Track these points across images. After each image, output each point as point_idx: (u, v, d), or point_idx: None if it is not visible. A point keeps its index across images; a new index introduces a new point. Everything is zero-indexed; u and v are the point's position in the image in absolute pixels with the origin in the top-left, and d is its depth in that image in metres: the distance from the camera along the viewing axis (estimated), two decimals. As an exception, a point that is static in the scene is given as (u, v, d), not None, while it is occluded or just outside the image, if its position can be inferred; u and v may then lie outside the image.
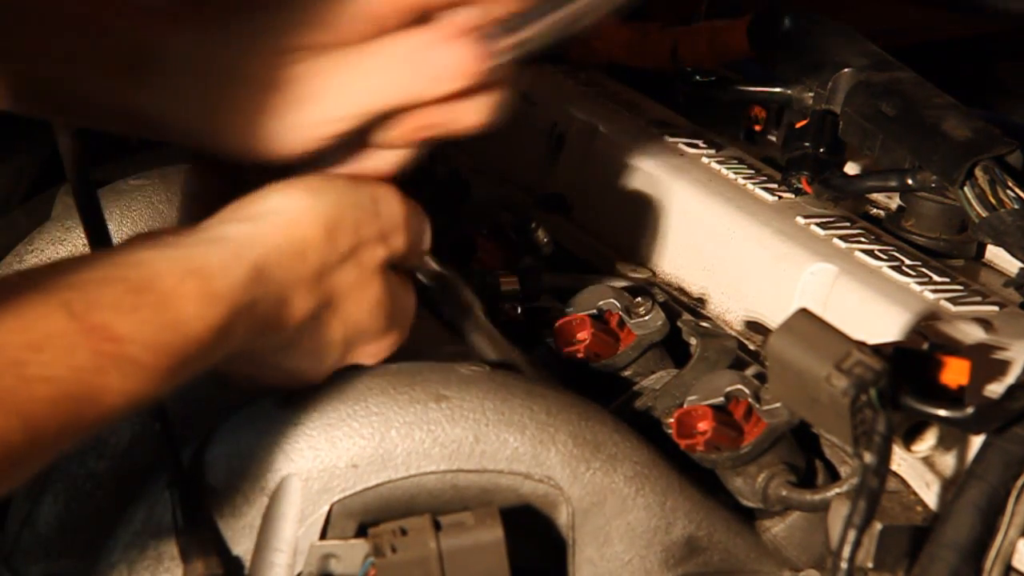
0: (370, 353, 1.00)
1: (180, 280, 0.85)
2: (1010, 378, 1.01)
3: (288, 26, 0.96)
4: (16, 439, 0.75)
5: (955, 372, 0.97)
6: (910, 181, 1.23)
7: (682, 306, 1.26)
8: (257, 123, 0.96)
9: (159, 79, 0.97)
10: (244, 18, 0.97)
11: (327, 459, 0.98)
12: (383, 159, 1.01)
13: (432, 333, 1.11)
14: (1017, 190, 1.15)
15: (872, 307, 1.13)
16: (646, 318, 1.20)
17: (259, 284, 0.88)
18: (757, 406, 1.08)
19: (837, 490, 1.05)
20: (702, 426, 1.07)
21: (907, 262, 1.18)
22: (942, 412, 0.95)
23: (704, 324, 1.20)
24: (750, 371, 1.15)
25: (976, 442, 1.00)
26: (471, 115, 0.97)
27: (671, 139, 1.39)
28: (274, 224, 0.91)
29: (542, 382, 1.09)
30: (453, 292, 1.08)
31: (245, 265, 0.88)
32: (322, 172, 0.98)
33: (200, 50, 0.97)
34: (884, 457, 0.91)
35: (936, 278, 1.16)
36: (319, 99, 0.95)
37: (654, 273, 1.31)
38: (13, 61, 0.99)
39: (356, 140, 0.99)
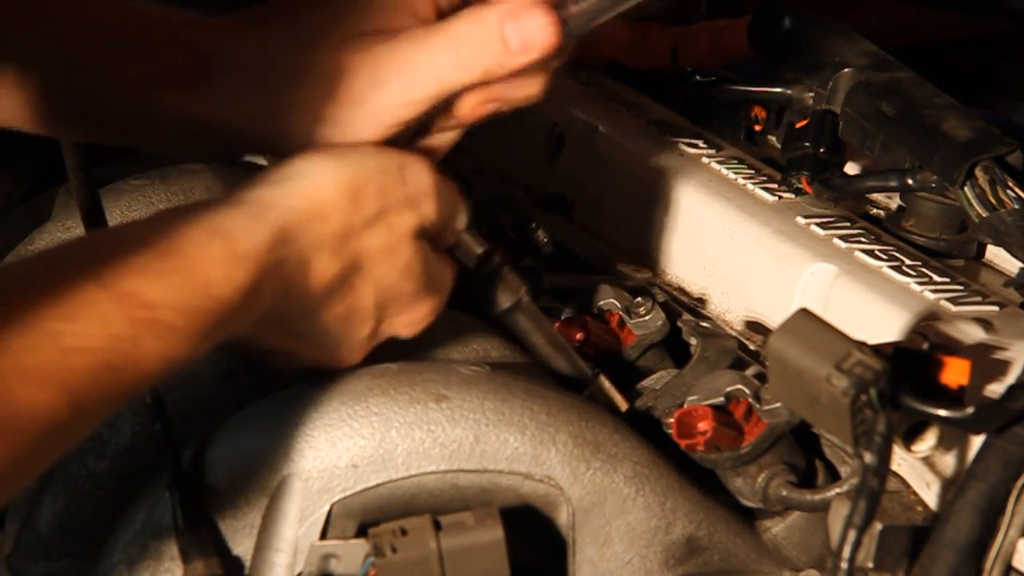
0: (404, 323, 0.99)
1: (206, 243, 0.85)
2: (1010, 378, 1.01)
3: (354, 13, 0.97)
4: (62, 412, 0.76)
5: (955, 372, 0.97)
6: (910, 181, 1.23)
7: (682, 306, 1.26)
8: (327, 115, 0.96)
9: (222, 86, 0.98)
10: (308, 11, 0.98)
11: (327, 459, 0.98)
12: (438, 139, 1.02)
13: (449, 337, 1.11)
14: (1017, 190, 1.15)
15: (872, 307, 1.13)
16: (646, 318, 1.20)
17: (283, 245, 0.89)
18: (757, 406, 1.08)
19: (837, 490, 1.05)
20: (702, 426, 1.07)
21: (907, 262, 1.18)
22: (942, 412, 0.95)
23: (704, 324, 1.20)
24: (750, 371, 1.15)
25: (976, 442, 1.00)
26: (531, 87, 0.98)
27: (671, 139, 1.39)
28: (297, 187, 0.92)
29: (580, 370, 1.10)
30: (499, 275, 1.08)
31: (269, 226, 0.88)
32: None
33: (265, 49, 0.97)
34: (884, 457, 0.91)
35: (936, 278, 1.16)
36: (390, 84, 0.96)
37: (654, 273, 1.31)
38: (65, 79, 0.99)
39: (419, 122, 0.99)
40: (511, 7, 0.95)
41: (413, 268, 0.96)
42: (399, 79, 0.95)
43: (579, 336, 1.19)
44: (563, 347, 1.12)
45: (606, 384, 1.14)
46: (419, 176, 0.97)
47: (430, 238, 0.98)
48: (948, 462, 1.03)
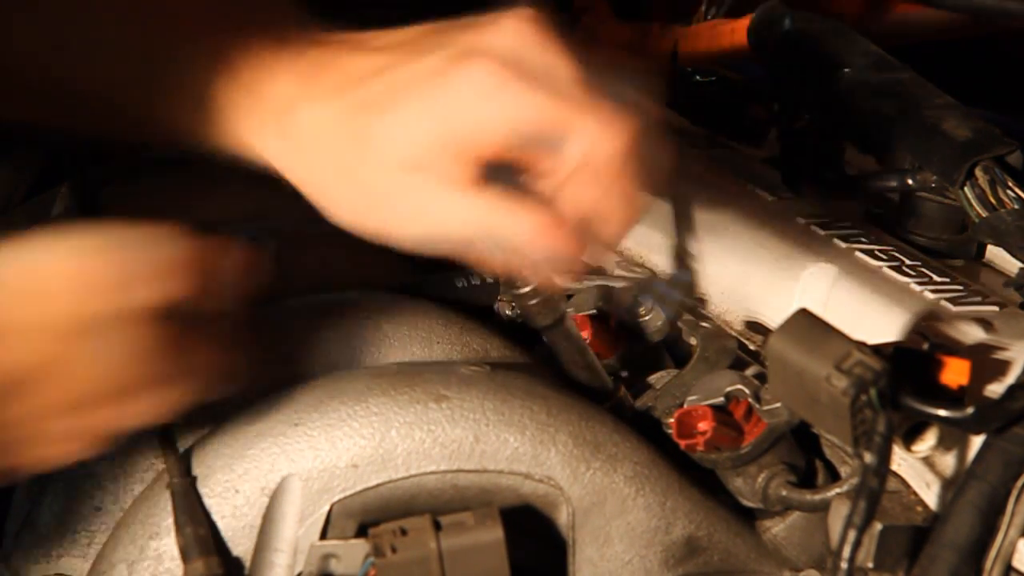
0: (137, 413, 0.90)
1: None
2: (1010, 378, 1.01)
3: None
4: None
5: (955, 372, 0.97)
6: (910, 181, 1.23)
7: (682, 306, 1.25)
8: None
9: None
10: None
11: (327, 459, 0.98)
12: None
13: (449, 337, 1.11)
14: (1017, 190, 1.15)
15: (872, 307, 1.13)
16: (646, 318, 1.20)
17: None
18: (757, 406, 1.08)
19: (837, 490, 1.05)
20: (702, 426, 1.07)
21: (907, 262, 1.18)
22: (942, 412, 0.95)
23: (704, 324, 1.20)
24: (750, 371, 1.15)
25: (976, 442, 1.00)
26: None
27: (671, 139, 1.38)
28: (16, 266, 0.86)
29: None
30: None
31: None
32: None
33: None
34: (884, 457, 0.91)
35: (936, 278, 1.16)
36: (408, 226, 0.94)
37: (654, 273, 1.31)
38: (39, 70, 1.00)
39: None
40: (547, 214, 0.94)
41: (141, 355, 0.87)
42: (417, 219, 0.93)
43: (583, 335, 1.19)
44: (592, 361, 1.11)
45: (625, 394, 1.14)
46: (162, 251, 0.88)
47: (185, 316, 0.89)
48: (948, 462, 1.03)
